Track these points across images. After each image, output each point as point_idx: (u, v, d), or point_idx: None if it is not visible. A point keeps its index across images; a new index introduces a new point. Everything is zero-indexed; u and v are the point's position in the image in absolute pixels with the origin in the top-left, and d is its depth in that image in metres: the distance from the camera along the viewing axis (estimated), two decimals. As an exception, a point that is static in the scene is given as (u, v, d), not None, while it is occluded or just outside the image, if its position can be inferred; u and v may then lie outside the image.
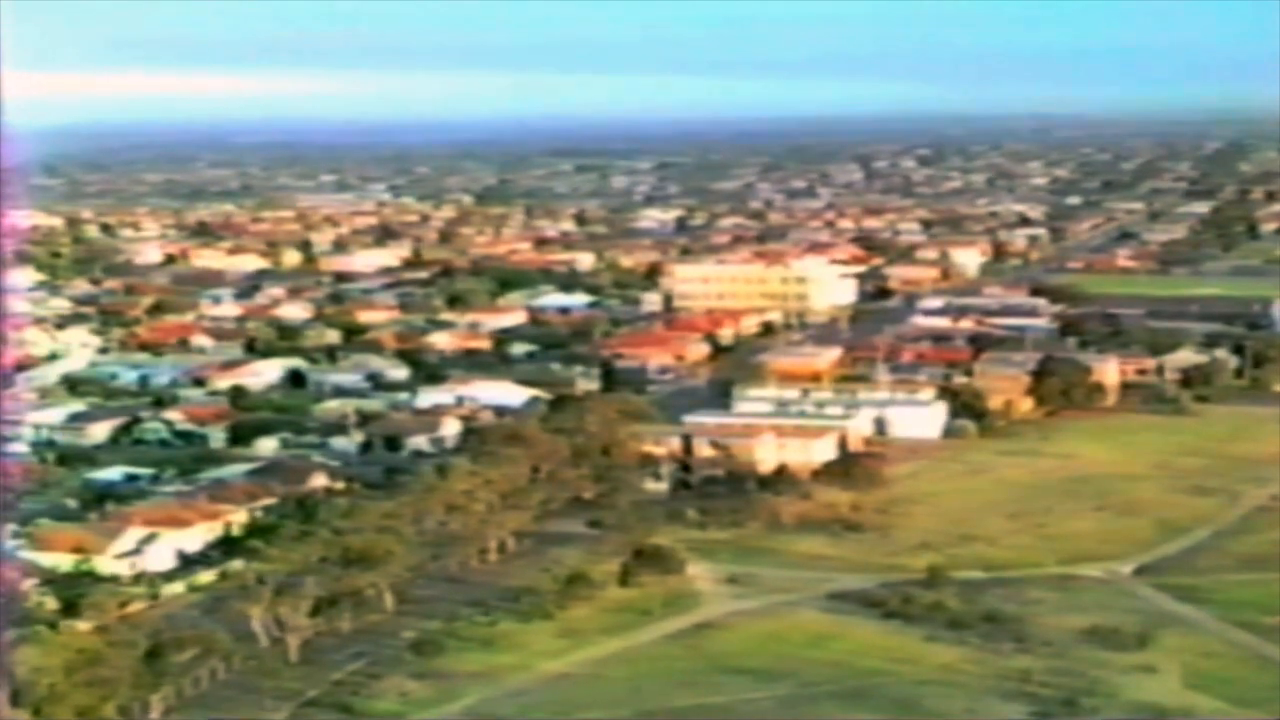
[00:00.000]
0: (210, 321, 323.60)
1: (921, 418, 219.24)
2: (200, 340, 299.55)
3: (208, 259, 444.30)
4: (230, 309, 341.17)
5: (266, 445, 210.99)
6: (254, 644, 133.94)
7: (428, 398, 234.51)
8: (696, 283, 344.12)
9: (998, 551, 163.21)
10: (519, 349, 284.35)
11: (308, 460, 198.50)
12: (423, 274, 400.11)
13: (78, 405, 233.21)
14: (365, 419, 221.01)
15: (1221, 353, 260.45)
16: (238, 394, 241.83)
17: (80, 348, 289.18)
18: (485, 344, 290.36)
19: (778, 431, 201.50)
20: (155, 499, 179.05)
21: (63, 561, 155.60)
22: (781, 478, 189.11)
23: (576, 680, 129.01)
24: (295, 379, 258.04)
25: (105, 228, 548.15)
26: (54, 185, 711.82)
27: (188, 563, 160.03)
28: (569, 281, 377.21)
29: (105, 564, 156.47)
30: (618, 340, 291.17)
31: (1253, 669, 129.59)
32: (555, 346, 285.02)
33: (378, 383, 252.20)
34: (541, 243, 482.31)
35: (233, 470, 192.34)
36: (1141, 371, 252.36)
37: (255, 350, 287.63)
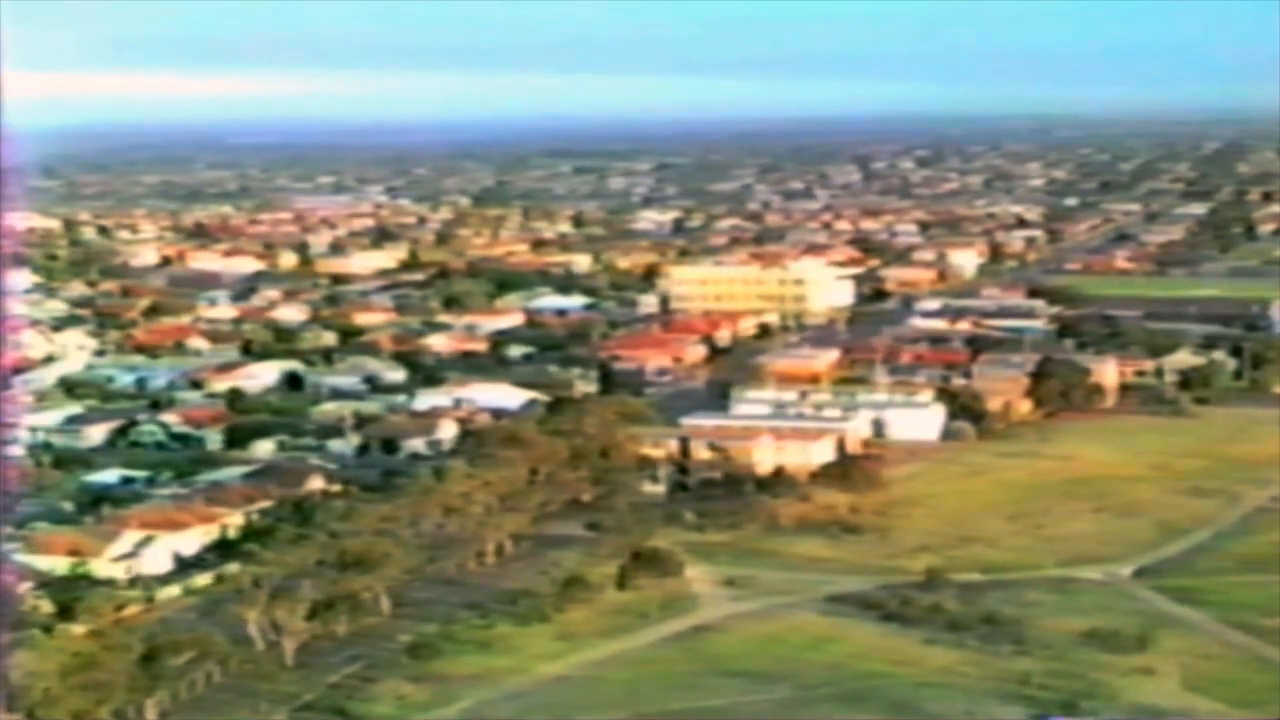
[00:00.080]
0: (207, 324, 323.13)
1: (920, 419, 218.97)
2: (197, 343, 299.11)
3: (204, 261, 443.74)
4: (227, 311, 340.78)
5: (263, 448, 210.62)
6: (250, 647, 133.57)
7: (425, 400, 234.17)
8: (694, 284, 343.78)
9: (996, 553, 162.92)
10: (516, 351, 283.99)
11: (304, 463, 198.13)
12: (420, 276, 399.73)
13: (74, 408, 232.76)
14: (362, 421, 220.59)
15: (1220, 354, 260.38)
16: (234, 396, 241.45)
17: (77, 350, 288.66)
18: (482, 346, 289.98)
19: (776, 433, 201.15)
20: (152, 502, 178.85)
21: (59, 564, 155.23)
22: (779, 480, 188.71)
23: (574, 683, 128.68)
24: (292, 381, 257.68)
25: (102, 229, 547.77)
26: (51, 187, 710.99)
27: (184, 566, 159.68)
28: (566, 283, 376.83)
29: (101, 567, 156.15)
30: (615, 342, 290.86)
31: (1252, 671, 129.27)
32: (553, 348, 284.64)
33: (375, 385, 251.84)
34: (539, 244, 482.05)
35: (229, 473, 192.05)
36: (1140, 373, 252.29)
37: (252, 353, 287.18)
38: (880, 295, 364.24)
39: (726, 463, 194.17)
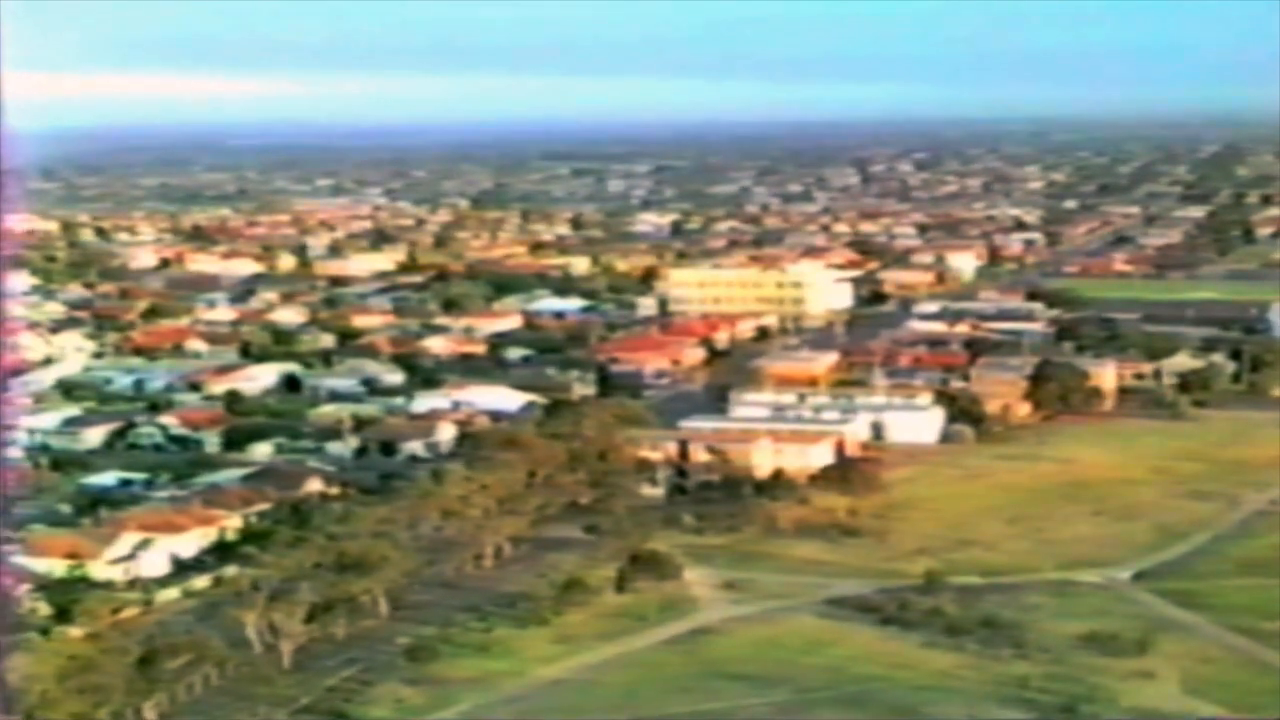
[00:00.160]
0: (205, 326, 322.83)
1: (918, 422, 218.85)
2: (195, 345, 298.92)
3: (203, 263, 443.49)
4: (225, 313, 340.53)
5: (261, 450, 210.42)
6: (248, 650, 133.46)
7: (423, 402, 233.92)
8: (692, 287, 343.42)
9: (995, 556, 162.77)
10: (514, 353, 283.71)
11: (303, 465, 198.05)
12: (418, 278, 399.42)
13: (72, 410, 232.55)
14: (360, 424, 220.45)
15: (1219, 357, 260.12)
16: (233, 399, 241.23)
17: (75, 352, 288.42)
18: (481, 348, 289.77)
19: (774, 436, 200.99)
20: (149, 504, 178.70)
21: (57, 567, 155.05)
22: (778, 483, 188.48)
23: (572, 686, 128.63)
24: (290, 384, 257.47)
25: (100, 231, 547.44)
26: (50, 189, 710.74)
27: (182, 568, 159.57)
28: (564, 286, 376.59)
29: (99, 569, 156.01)
30: (613, 345, 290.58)
31: (1252, 674, 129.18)
32: (551, 351, 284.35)
33: (373, 387, 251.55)
34: (537, 247, 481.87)
35: (227, 475, 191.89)
36: (1139, 376, 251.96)
37: (250, 355, 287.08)
38: (879, 298, 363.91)
39: (725, 465, 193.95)
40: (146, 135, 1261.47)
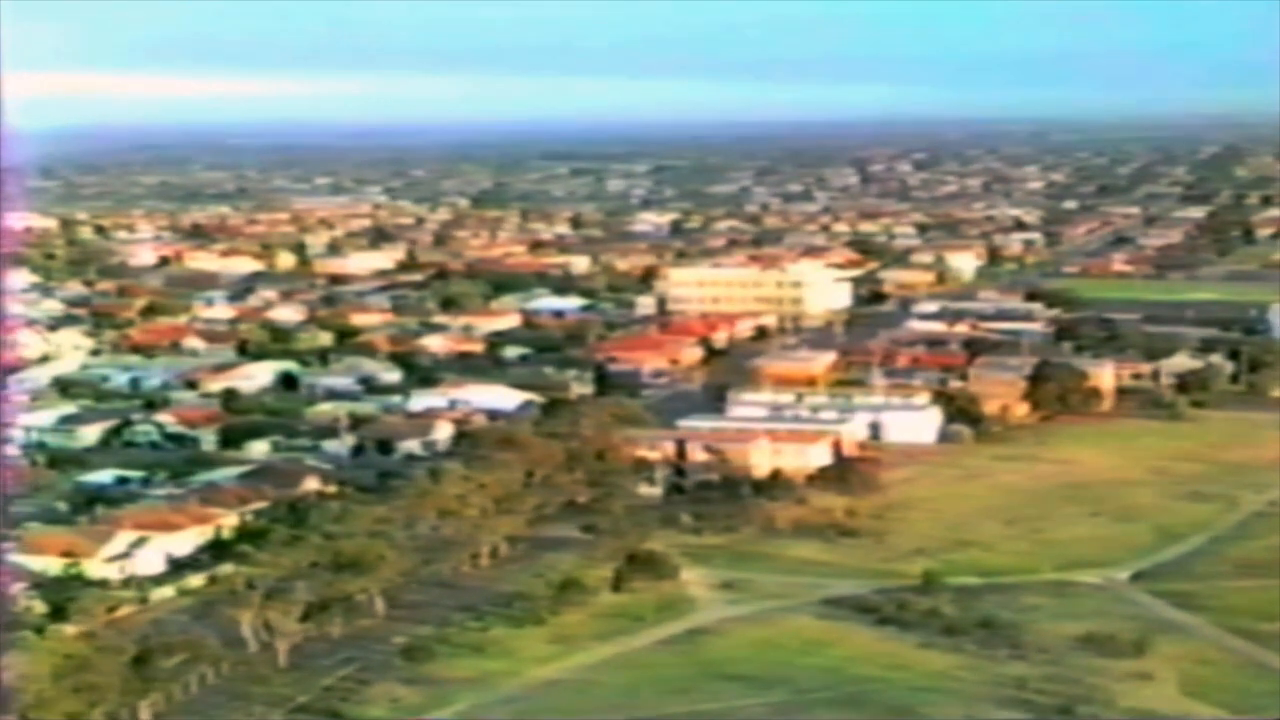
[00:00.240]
0: (203, 324, 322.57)
1: (917, 422, 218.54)
2: (193, 343, 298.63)
3: (202, 261, 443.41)
4: (223, 311, 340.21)
5: (258, 448, 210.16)
6: (243, 649, 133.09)
7: (420, 401, 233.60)
8: (691, 286, 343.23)
9: (993, 557, 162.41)
10: (513, 352, 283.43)
11: (299, 464, 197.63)
12: (417, 277, 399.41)
13: (69, 408, 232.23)
14: (357, 422, 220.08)
15: (1217, 358, 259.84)
16: (230, 397, 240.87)
17: (72, 350, 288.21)
18: (479, 347, 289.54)
19: (772, 436, 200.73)
20: (146, 502, 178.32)
21: (52, 565, 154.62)
22: (776, 483, 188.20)
23: (569, 686, 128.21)
24: (288, 382, 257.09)
25: (99, 229, 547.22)
26: (49, 187, 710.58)
27: (178, 567, 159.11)
28: (563, 285, 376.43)
29: (95, 568, 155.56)
30: (612, 344, 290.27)
31: (1250, 676, 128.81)
32: (549, 350, 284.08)
33: (370, 386, 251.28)
34: (536, 246, 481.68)
35: (224, 473, 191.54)
36: (1137, 376, 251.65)
37: (248, 353, 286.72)
38: (878, 298, 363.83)
39: (723, 465, 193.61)
40: (146, 134, 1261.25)
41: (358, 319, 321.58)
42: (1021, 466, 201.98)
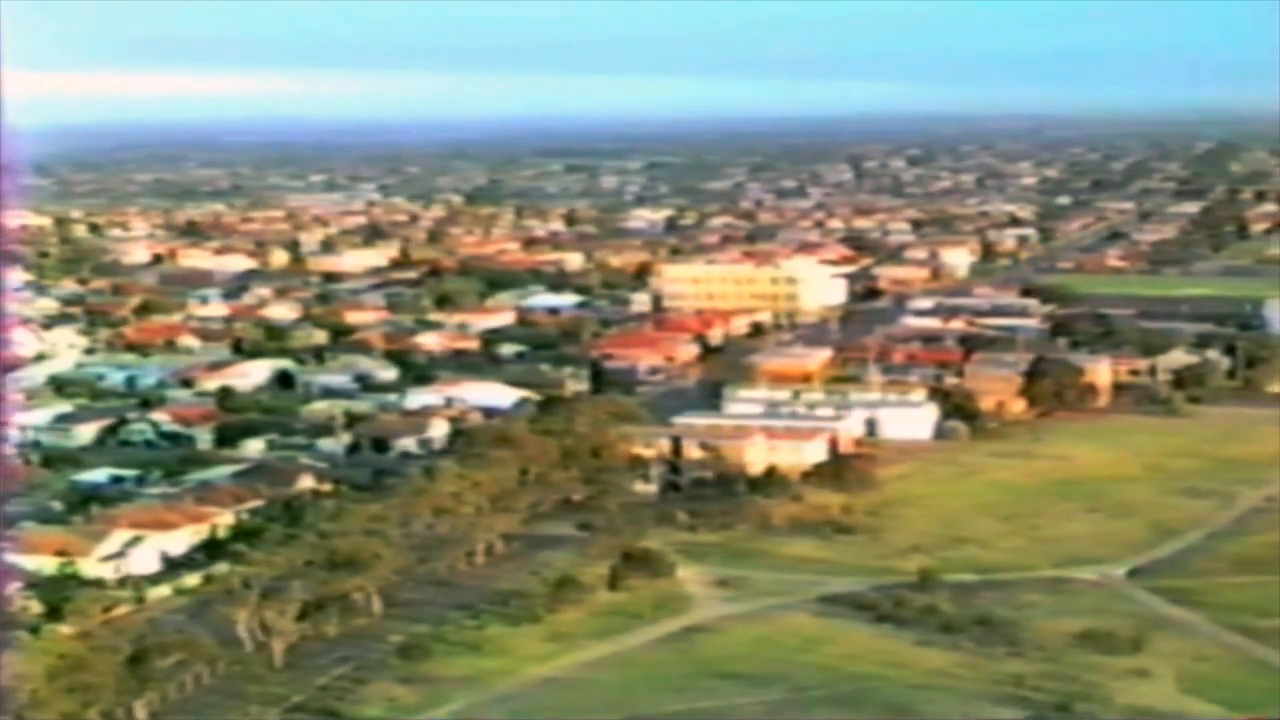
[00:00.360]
0: (198, 322, 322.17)
1: (913, 419, 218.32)
2: (188, 341, 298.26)
3: (196, 259, 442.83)
4: (218, 309, 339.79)
5: (253, 447, 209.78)
6: (239, 648, 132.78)
7: (416, 399, 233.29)
8: (686, 283, 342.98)
9: (990, 554, 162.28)
10: (508, 350, 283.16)
11: (295, 462, 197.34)
12: (411, 274, 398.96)
13: (64, 406, 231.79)
14: (353, 420, 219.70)
15: (1213, 353, 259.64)
16: (225, 395, 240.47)
17: (67, 348, 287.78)
18: (474, 345, 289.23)
19: (768, 433, 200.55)
20: (141, 501, 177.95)
21: (47, 564, 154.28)
22: (772, 480, 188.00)
23: (565, 684, 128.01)
24: (283, 380, 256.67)
25: (94, 227, 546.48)
26: (44, 185, 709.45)
27: (173, 566, 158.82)
28: (558, 282, 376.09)
29: (90, 567, 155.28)
30: (607, 341, 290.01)
31: (1247, 672, 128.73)
32: (544, 347, 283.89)
33: (366, 384, 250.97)
34: (531, 243, 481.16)
35: (219, 472, 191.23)
36: (1133, 372, 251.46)
37: (243, 351, 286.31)
38: (873, 294, 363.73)
39: (719, 462, 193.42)
40: (140, 132, 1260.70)
41: (352, 317, 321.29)
42: (1017, 463, 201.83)
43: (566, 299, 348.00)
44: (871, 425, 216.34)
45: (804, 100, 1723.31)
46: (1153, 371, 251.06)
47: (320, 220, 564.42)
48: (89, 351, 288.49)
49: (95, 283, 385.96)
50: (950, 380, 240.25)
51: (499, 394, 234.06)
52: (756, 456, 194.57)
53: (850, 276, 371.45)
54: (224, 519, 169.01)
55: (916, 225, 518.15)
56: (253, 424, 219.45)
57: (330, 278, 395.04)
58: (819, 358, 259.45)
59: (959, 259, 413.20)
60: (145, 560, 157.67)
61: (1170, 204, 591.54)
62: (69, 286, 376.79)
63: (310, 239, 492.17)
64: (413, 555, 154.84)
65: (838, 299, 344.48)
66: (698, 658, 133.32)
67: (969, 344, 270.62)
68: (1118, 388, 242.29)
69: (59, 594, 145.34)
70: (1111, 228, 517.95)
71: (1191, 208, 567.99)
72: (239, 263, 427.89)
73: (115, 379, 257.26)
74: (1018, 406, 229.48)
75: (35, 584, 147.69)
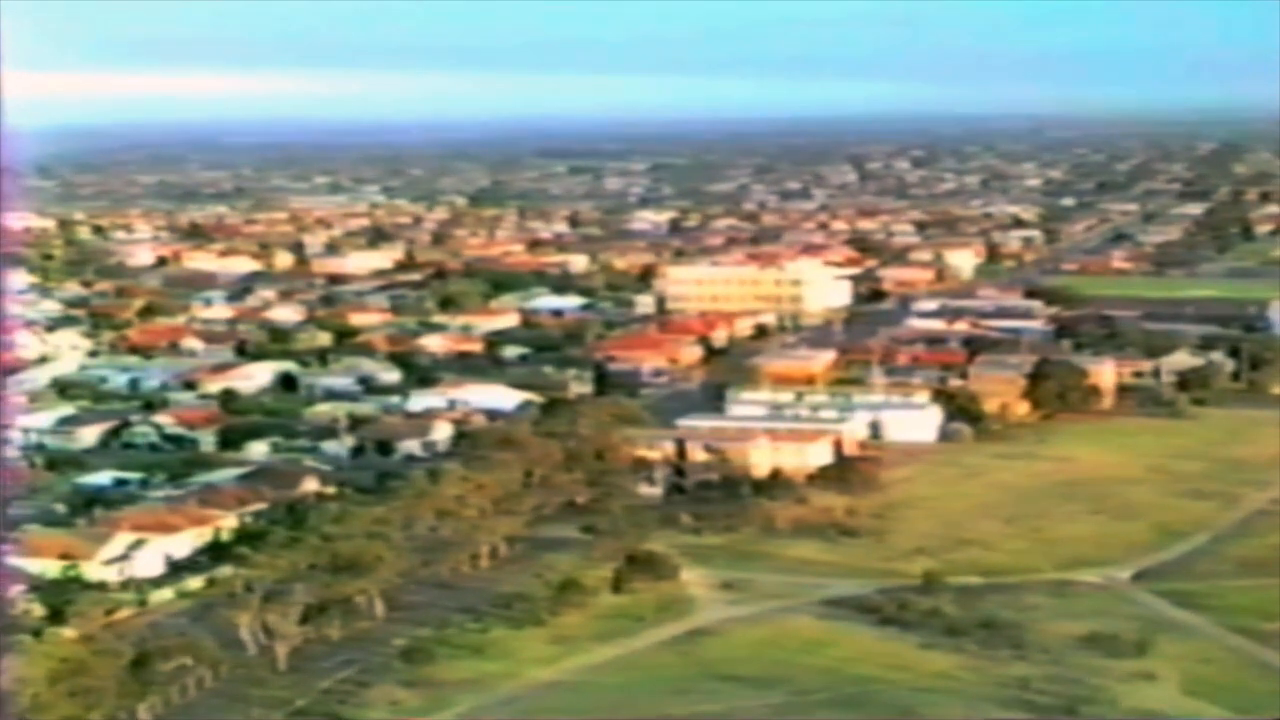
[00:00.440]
0: (201, 324, 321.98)
1: (917, 421, 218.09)
2: (191, 343, 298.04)
3: (200, 261, 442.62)
4: (221, 311, 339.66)
5: (257, 449, 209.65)
6: (242, 651, 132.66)
7: (419, 401, 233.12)
8: (690, 285, 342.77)
9: (994, 556, 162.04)
10: (511, 352, 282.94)
11: (298, 465, 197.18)
12: (415, 276, 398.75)
13: (67, 409, 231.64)
14: (356, 423, 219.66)
15: (1218, 355, 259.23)
16: (228, 397, 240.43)
17: (70, 351, 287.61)
18: (478, 347, 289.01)
19: (772, 435, 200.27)
20: (144, 504, 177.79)
21: (50, 567, 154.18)
22: (776, 482, 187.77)
23: (568, 688, 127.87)
24: (286, 382, 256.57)
25: (98, 229, 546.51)
26: (47, 187, 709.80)
27: (176, 569, 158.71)
28: (562, 284, 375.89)
29: (93, 570, 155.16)
30: (611, 343, 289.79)
31: (1252, 675, 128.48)
32: (548, 349, 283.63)
33: (369, 386, 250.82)
34: (535, 244, 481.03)
35: (223, 475, 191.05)
36: (1138, 374, 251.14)
37: (246, 353, 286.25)
38: (877, 296, 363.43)
39: (723, 465, 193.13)
40: (144, 133, 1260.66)
41: (356, 319, 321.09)
42: (1022, 465, 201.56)
43: (570, 301, 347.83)
44: (875, 427, 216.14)
45: (807, 101, 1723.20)
46: (1157, 373, 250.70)
47: (324, 222, 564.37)
48: (92, 354, 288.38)
49: (99, 285, 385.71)
50: (954, 382, 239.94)
51: (503, 396, 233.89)
52: (760, 459, 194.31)
53: (854, 278, 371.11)
54: (227, 522, 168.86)
55: (921, 227, 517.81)
56: (256, 426, 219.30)
57: (334, 280, 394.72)
58: (823, 360, 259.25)
59: (963, 261, 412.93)
60: (148, 563, 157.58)
61: (1174, 205, 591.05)
62: (73, 289, 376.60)
63: (314, 241, 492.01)
64: (416, 558, 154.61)
65: (842, 301, 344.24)
66: (701, 660, 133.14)
67: (973, 346, 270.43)
68: (1122, 390, 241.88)
69: (61, 597, 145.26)
70: (1116, 229, 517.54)
71: (1196, 209, 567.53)
72: (243, 265, 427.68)
73: (119, 381, 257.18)
74: (1022, 408, 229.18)
75: (38, 587, 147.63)
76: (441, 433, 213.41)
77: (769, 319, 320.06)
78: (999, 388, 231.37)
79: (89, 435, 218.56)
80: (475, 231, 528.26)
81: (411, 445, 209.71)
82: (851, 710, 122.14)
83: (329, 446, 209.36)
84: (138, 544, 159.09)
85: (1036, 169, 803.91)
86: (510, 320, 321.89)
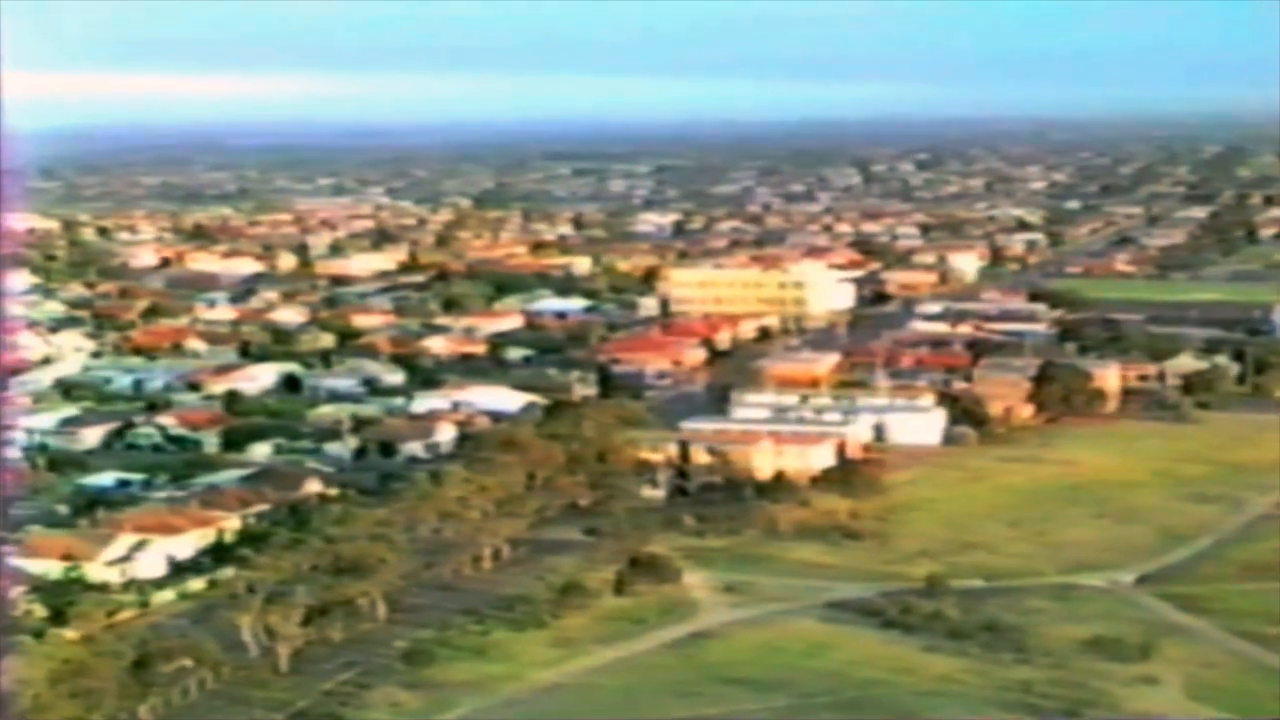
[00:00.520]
0: (205, 325, 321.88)
1: (921, 424, 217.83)
2: (194, 344, 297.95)
3: (204, 262, 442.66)
4: (225, 313, 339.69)
5: (260, 451, 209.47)
6: (244, 653, 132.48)
7: (423, 403, 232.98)
8: (694, 287, 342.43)
9: (998, 560, 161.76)
10: (515, 354, 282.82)
11: (301, 466, 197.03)
12: (419, 278, 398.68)
13: (70, 410, 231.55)
14: (360, 424, 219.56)
15: (1222, 358, 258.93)
16: (232, 399, 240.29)
17: (74, 352, 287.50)
18: (481, 349, 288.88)
19: (775, 438, 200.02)
20: (147, 505, 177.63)
21: (53, 568, 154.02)
22: (779, 485, 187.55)
23: (570, 690, 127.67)
24: (290, 384, 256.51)
25: (101, 231, 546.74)
26: (50, 188, 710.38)
27: (179, 570, 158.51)
28: (566, 285, 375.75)
29: (95, 571, 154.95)
30: (614, 345, 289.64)
31: (1256, 680, 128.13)
32: (552, 351, 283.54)
33: (373, 387, 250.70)
34: (539, 246, 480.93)
35: (226, 476, 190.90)
36: (1142, 377, 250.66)
37: (250, 354, 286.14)
38: (881, 298, 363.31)
39: (726, 467, 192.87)
40: (147, 135, 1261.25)
41: (360, 320, 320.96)
42: (1025, 468, 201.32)
43: (574, 303, 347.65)
44: (879, 430, 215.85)
45: (811, 103, 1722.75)
46: (1161, 377, 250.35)
47: (328, 224, 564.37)
48: (96, 355, 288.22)
49: (102, 286, 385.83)
50: (958, 385, 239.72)
51: (506, 398, 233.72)
52: (764, 461, 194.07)
53: (858, 281, 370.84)
54: (230, 523, 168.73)
55: (925, 229, 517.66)
56: (259, 428, 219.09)
57: (337, 281, 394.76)
58: (827, 362, 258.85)
59: (967, 263, 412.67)
60: (151, 564, 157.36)
61: (1179, 208, 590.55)
62: (76, 290, 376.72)
63: (318, 242, 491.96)
64: (418, 560, 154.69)
65: (845, 303, 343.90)
66: (704, 663, 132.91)
67: (977, 349, 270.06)
68: (1126, 393, 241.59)
69: (63, 598, 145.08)
70: (1120, 232, 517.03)
71: (1200, 212, 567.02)
72: (246, 266, 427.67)
73: (122, 382, 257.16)
74: (1026, 411, 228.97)
75: (40, 588, 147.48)
76: (444, 434, 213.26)
77: (773, 321, 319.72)
78: (1003, 391, 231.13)
79: (92, 436, 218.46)
80: (479, 233, 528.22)
81: (414, 447, 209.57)
82: (854, 713, 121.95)
83: (332, 448, 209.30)
84: (140, 545, 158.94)
85: (1041, 172, 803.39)
86: (514, 322, 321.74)
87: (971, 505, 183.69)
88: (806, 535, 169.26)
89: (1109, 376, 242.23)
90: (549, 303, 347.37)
